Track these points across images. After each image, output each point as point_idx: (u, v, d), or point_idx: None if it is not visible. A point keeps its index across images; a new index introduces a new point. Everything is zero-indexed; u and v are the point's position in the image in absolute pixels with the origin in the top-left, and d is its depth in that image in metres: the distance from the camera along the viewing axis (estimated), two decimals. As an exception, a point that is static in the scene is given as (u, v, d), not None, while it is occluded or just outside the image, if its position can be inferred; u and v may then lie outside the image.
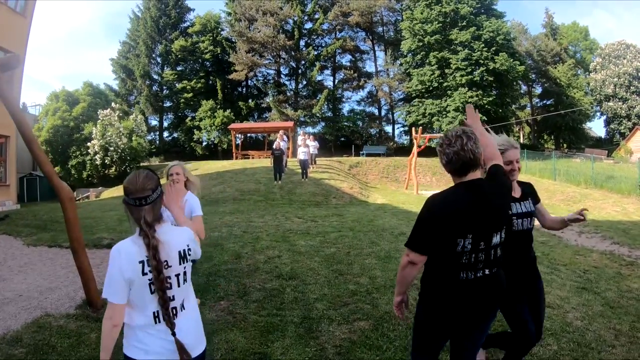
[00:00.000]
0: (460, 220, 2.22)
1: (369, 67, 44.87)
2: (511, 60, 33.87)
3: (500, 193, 2.37)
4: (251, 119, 41.86)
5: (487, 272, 2.35)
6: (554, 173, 20.10)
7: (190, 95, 41.08)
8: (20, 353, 3.93)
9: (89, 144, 28.27)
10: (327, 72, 43.77)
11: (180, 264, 2.12)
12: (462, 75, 33.53)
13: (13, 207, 17.53)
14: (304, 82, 41.34)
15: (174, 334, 2.04)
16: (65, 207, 5.25)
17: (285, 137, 21.39)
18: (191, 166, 27.82)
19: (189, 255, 2.19)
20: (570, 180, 18.75)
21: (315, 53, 40.16)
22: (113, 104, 30.14)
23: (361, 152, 33.54)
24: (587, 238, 9.51)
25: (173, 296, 2.09)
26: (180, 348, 2.04)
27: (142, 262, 2.01)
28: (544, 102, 45.34)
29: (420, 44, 35.47)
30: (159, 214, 2.15)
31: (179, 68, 42.76)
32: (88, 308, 5.22)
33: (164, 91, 43.62)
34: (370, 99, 43.88)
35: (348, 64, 43.31)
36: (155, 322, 2.05)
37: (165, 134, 46.10)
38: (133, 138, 29.29)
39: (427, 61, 35.56)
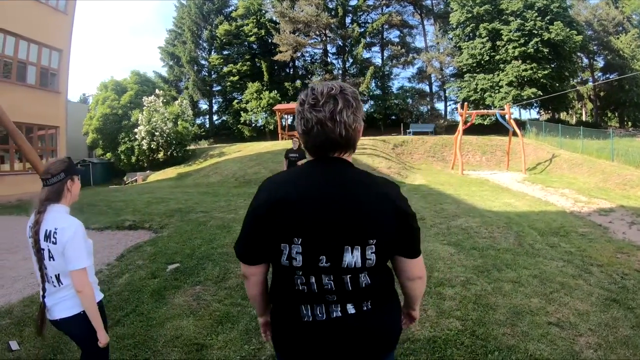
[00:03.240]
0: (286, 215, 1.47)
1: (419, 42, 43.11)
2: (567, 29, 31.32)
3: (375, 187, 1.52)
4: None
5: (348, 308, 1.53)
6: (612, 153, 18.33)
7: (236, 78, 41.28)
8: (6, 324, 4.17)
9: (135, 130, 28.89)
10: (375, 49, 42.51)
11: (44, 241, 2.39)
12: (514, 48, 31.57)
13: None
14: (351, 60, 40.19)
15: (43, 296, 2.44)
16: None
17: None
18: (235, 147, 28.06)
19: (53, 238, 2.37)
20: (630, 161, 16.95)
21: (361, 30, 38.86)
22: (157, 91, 30.60)
23: (408, 131, 31.80)
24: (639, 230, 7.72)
25: (46, 266, 2.42)
26: (41, 307, 2.45)
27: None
28: (607, 76, 40.88)
29: (470, 15, 33.62)
30: (54, 197, 2.45)
31: (225, 52, 43.23)
32: None
33: (212, 75, 44.06)
34: (419, 76, 42.06)
35: (396, 39, 41.74)
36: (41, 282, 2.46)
37: (215, 117, 46.73)
38: (179, 122, 29.59)
39: (478, 33, 33.76)
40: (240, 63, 41.50)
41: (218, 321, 4.08)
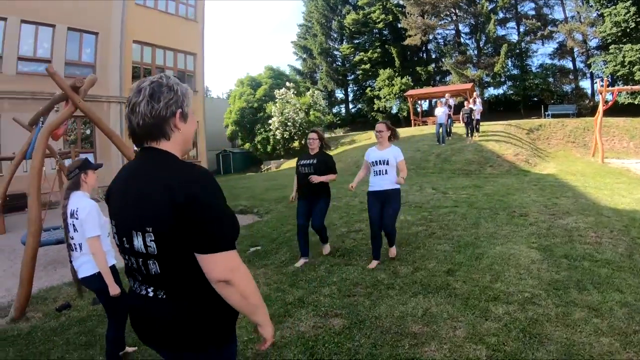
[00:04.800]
0: (109, 202, 1.77)
1: (557, 13, 37.22)
2: None
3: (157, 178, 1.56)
4: (432, 84, 40.13)
5: (149, 291, 1.63)
6: None
7: (367, 66, 41.26)
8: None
9: (270, 121, 30.58)
10: (510, 24, 38.44)
11: (70, 217, 3.35)
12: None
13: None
14: (484, 39, 37.44)
15: (70, 261, 3.48)
16: None
17: (451, 101, 20.32)
18: (366, 135, 28.31)
19: (76, 215, 3.32)
20: None
21: (491, 6, 35.80)
22: (287, 83, 31.94)
23: (546, 113, 28.55)
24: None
25: (72, 237, 3.38)
26: (72, 270, 3.49)
27: None
28: None
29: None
30: (74, 186, 3.44)
31: (355, 41, 43.42)
32: None
33: (346, 64, 44.61)
34: (560, 51, 36.56)
35: (532, 12, 36.90)
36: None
37: (351, 105, 47.24)
38: (311, 112, 30.68)
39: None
40: (371, 51, 41.36)
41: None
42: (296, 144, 30.46)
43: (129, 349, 3.65)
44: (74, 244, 3.39)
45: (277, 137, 30.37)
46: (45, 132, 5.45)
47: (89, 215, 3.26)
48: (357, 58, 42.23)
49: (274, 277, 5.30)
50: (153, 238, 1.53)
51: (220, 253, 1.48)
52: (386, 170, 5.52)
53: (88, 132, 19.12)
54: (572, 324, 3.62)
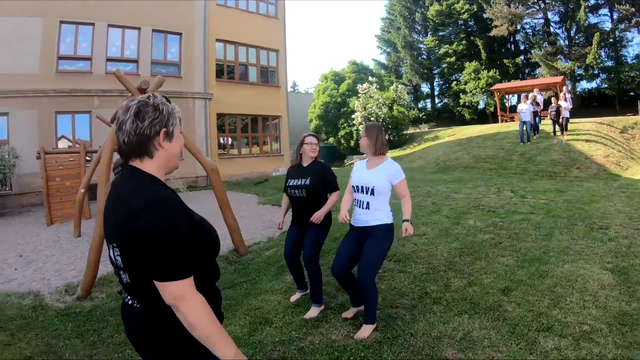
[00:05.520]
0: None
1: None
2: None
3: (126, 200, 1.64)
4: (520, 77, 38.30)
5: (128, 299, 1.77)
6: None
7: (453, 59, 40.61)
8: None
9: (353, 116, 30.71)
10: (603, 11, 35.49)
11: None
12: None
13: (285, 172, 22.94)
14: (574, 28, 35.27)
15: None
16: (210, 177, 7.13)
17: (539, 97, 19.49)
18: (451, 131, 27.63)
19: None
20: None
21: None
22: (370, 78, 31.87)
23: None
24: None
25: None
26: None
27: None
28: None
29: None
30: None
31: (440, 33, 42.73)
32: (234, 253, 7.20)
33: (431, 58, 43.91)
34: None
35: None
36: None
37: (437, 100, 46.53)
38: (394, 107, 30.44)
39: None
40: (456, 43, 40.70)
41: (296, 304, 4.71)
42: (380, 139, 30.20)
43: None
44: None
45: (361, 132, 29.95)
46: (115, 127, 6.00)
47: None
48: (442, 51, 41.59)
49: (325, 278, 4.90)
50: (118, 253, 1.65)
51: (167, 283, 1.53)
52: (368, 204, 3.88)
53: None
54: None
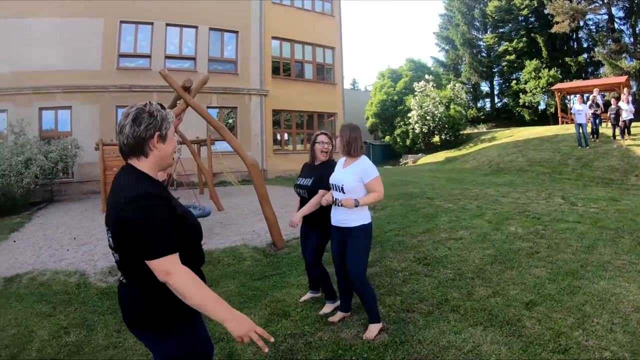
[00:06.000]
0: None
1: None
2: None
3: (120, 190, 1.89)
4: (583, 77, 36.60)
5: (122, 278, 2.03)
6: None
7: (513, 56, 39.38)
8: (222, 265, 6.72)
9: (409, 114, 30.51)
10: None
11: None
12: None
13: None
14: None
15: None
16: (251, 172, 7.59)
17: (599, 98, 18.56)
18: (508, 132, 26.88)
19: None
20: None
21: None
22: (427, 76, 31.48)
23: None
24: None
25: None
26: None
27: None
28: None
29: None
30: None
31: (500, 30, 41.52)
32: (272, 246, 7.52)
33: (491, 55, 42.83)
34: None
35: None
36: None
37: (497, 99, 45.08)
38: (451, 106, 29.96)
39: None
40: (516, 40, 39.42)
41: (315, 301, 4.85)
42: (436, 138, 30.01)
43: None
44: None
45: (416, 131, 30.03)
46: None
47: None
48: (501, 48, 40.52)
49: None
50: (110, 236, 1.92)
51: (154, 260, 1.75)
52: (340, 203, 3.88)
53: (230, 121, 21.27)
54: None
